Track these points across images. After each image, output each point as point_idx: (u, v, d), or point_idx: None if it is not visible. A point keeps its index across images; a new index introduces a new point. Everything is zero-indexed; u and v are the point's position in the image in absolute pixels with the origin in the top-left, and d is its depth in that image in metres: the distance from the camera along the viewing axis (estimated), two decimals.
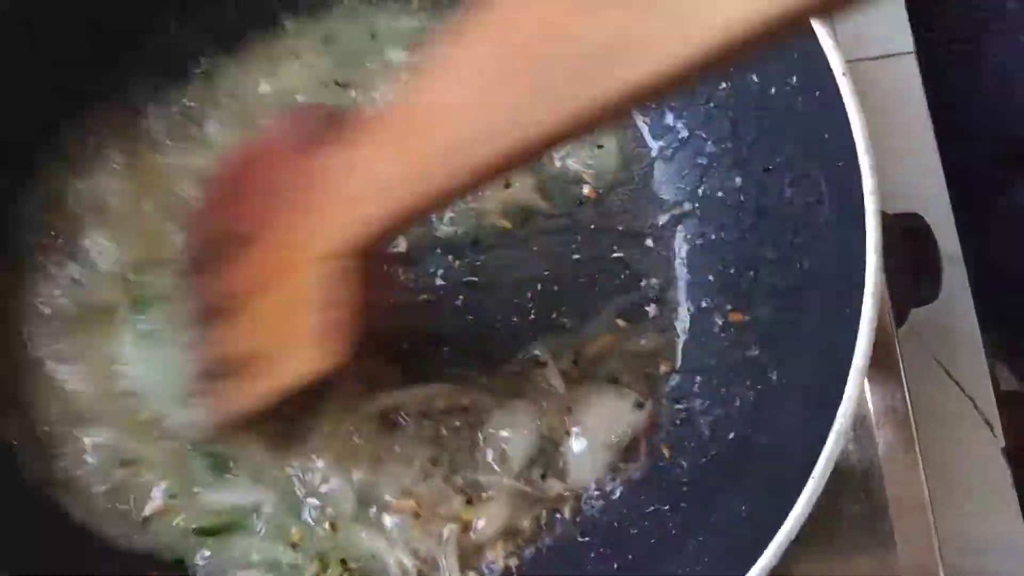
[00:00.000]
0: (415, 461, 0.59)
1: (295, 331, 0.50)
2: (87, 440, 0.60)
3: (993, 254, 0.88)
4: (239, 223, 0.53)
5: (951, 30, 0.88)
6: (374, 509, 0.58)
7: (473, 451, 0.60)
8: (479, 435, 0.60)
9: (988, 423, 0.68)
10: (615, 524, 0.59)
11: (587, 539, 0.59)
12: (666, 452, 0.61)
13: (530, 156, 0.43)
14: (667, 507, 0.58)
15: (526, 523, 0.59)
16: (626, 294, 0.65)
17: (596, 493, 0.60)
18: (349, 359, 0.50)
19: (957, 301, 0.71)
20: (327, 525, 0.58)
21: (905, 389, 0.59)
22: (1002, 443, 0.68)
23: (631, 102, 0.36)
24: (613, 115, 0.38)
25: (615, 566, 0.57)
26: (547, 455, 0.60)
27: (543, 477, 0.60)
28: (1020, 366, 0.96)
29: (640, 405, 0.61)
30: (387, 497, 0.58)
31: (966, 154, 0.80)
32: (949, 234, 0.72)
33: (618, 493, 0.60)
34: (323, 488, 0.59)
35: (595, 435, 0.61)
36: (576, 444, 0.60)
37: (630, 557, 0.57)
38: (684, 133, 0.67)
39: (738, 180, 0.63)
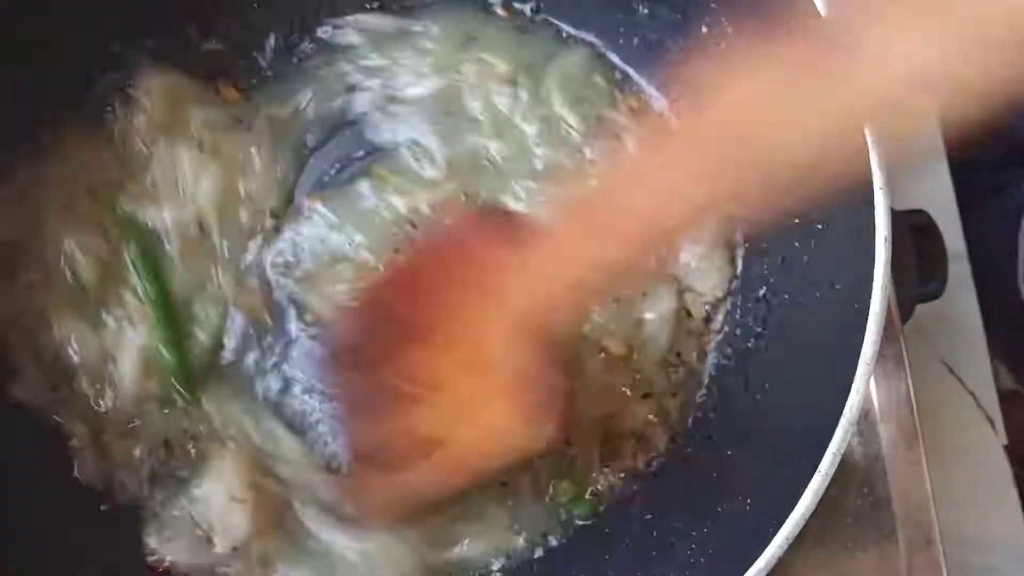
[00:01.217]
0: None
1: (497, 413, 0.48)
2: None
3: (994, 253, 0.88)
4: (407, 315, 0.52)
5: None
6: None
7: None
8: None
9: (990, 420, 0.68)
10: (606, 529, 0.59)
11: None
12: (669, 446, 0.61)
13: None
14: (671, 503, 0.58)
15: None
16: None
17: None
18: (560, 436, 0.49)
19: (961, 298, 0.71)
20: None
21: (909, 384, 0.58)
22: (1004, 440, 0.68)
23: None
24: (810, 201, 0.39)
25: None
26: None
27: None
28: (1017, 364, 0.96)
29: (647, 396, 0.62)
30: None
31: (970, 153, 0.80)
32: (955, 231, 0.72)
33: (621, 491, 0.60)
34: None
35: None
36: None
37: (627, 543, 0.57)
38: None
39: None
